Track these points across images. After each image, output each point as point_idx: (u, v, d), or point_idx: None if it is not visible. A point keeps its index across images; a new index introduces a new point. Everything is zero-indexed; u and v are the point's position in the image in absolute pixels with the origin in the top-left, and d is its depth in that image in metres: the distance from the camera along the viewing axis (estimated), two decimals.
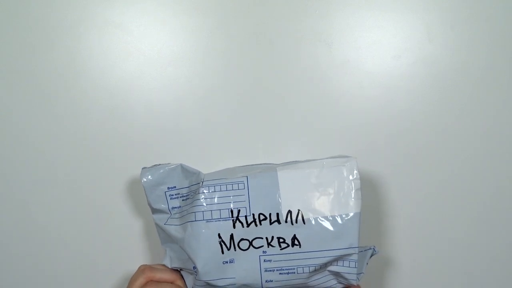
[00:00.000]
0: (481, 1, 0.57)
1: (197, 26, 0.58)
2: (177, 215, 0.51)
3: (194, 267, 0.50)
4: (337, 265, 0.49)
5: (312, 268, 0.48)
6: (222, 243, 0.48)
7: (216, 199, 0.49)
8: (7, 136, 0.58)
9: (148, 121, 0.58)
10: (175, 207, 0.51)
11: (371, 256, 0.50)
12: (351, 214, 0.48)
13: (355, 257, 0.48)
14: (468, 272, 0.58)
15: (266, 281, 0.49)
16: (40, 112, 0.58)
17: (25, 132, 0.58)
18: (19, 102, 0.58)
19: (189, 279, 0.52)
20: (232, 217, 0.48)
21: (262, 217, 0.48)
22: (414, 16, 0.58)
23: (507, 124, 0.58)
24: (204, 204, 0.49)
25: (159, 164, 0.52)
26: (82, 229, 0.58)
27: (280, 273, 0.49)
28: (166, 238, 0.52)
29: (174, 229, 0.50)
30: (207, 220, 0.48)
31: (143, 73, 0.58)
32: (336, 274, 0.50)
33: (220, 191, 0.49)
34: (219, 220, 0.48)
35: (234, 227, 0.48)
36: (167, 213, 0.52)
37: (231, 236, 0.48)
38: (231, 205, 0.49)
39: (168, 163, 0.52)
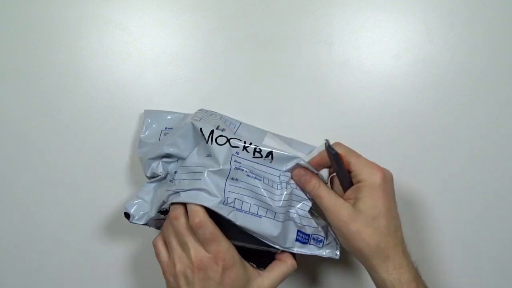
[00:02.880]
0: (481, 1, 0.57)
1: (197, 26, 0.58)
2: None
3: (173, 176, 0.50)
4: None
5: (279, 180, 0.48)
6: (203, 135, 0.48)
7: (207, 119, 0.51)
8: (7, 136, 0.58)
9: None
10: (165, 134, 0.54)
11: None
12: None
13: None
14: (468, 271, 0.58)
15: (235, 168, 0.47)
16: (40, 112, 0.58)
17: (25, 132, 0.58)
18: (19, 102, 0.58)
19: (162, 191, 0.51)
20: (217, 128, 0.49)
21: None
22: (414, 16, 0.58)
23: (507, 124, 0.58)
24: (196, 118, 0.50)
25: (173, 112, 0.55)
26: (81, 229, 0.58)
27: (247, 175, 0.47)
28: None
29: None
30: (195, 119, 0.50)
31: (143, 73, 0.58)
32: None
33: (215, 119, 0.53)
34: (204, 122, 0.50)
35: (217, 128, 0.49)
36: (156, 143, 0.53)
37: (211, 132, 0.48)
38: (219, 123, 0.51)
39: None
